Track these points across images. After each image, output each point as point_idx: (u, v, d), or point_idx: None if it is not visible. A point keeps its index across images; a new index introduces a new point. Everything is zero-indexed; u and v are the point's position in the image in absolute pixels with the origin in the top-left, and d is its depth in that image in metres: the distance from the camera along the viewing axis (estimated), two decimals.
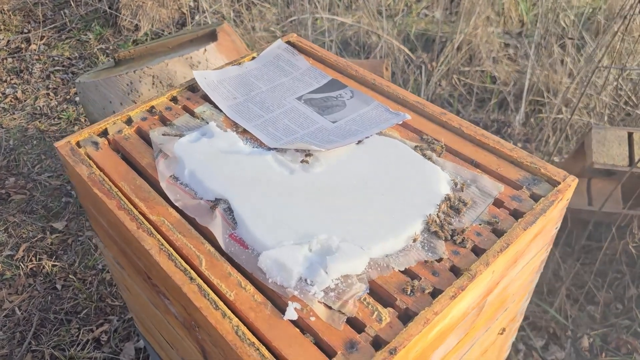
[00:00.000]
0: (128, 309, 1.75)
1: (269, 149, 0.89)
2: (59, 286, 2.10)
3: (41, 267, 2.16)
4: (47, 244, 2.25)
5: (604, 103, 2.40)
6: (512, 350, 1.91)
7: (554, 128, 2.45)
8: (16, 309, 2.02)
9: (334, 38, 3.17)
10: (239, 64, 1.10)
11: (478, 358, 0.95)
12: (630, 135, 1.65)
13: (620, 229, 1.96)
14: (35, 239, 2.26)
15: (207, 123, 0.95)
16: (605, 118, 2.40)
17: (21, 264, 2.16)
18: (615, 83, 2.46)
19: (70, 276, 2.12)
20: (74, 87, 2.99)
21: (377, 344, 0.64)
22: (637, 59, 2.60)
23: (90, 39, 3.37)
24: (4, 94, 2.95)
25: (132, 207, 0.80)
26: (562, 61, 2.73)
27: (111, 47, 3.29)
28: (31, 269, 2.15)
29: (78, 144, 0.92)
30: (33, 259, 2.18)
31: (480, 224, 0.76)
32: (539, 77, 2.70)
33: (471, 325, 0.78)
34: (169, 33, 3.35)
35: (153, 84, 1.98)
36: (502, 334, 0.95)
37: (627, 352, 1.86)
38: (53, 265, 2.16)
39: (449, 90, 3.02)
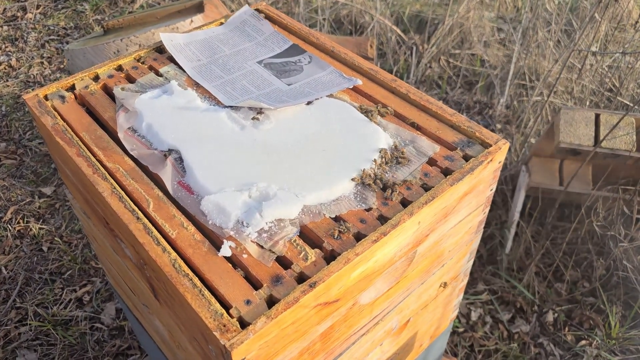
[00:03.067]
0: (100, 263, 1.81)
1: (225, 106, 0.95)
2: (45, 248, 2.17)
3: (28, 229, 2.22)
4: (35, 207, 2.31)
5: (589, 89, 2.44)
6: (479, 322, 1.98)
7: (535, 111, 2.49)
8: (2, 268, 2.09)
9: (327, 16, 3.20)
10: (207, 28, 1.15)
11: (418, 311, 1.01)
12: (597, 116, 1.69)
13: (588, 210, 2.01)
14: (24, 202, 2.33)
15: (169, 82, 1.00)
16: (587, 103, 2.44)
17: (9, 225, 2.22)
18: (599, 69, 2.49)
19: (56, 239, 2.19)
20: None
21: (301, 279, 0.70)
22: (623, 47, 2.63)
23: (86, 9, 3.40)
24: None
25: (90, 154, 0.86)
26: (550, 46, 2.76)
27: (106, 18, 3.33)
28: (18, 230, 2.22)
29: (46, 97, 0.98)
30: (21, 221, 2.25)
31: (411, 180, 0.82)
32: (525, 62, 2.74)
33: (402, 274, 0.84)
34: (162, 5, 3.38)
35: None
36: (444, 287, 1.01)
37: (589, 327, 1.92)
38: (40, 228, 2.22)
39: (439, 72, 3.06)
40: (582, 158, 1.73)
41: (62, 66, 3.01)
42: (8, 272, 2.09)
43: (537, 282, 2.05)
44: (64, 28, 3.28)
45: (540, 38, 2.65)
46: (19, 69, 2.98)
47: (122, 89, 0.98)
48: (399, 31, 3.09)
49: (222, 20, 1.17)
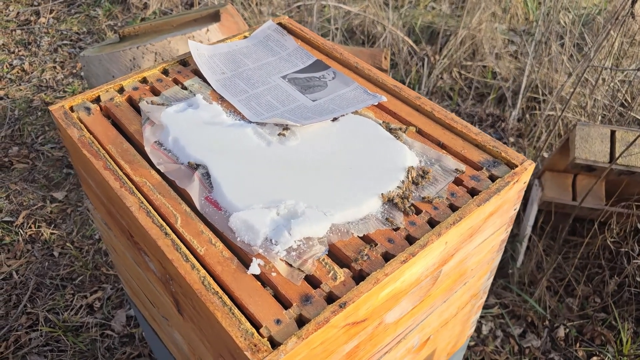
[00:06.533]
0: (117, 273, 1.81)
1: (250, 122, 0.95)
2: (56, 253, 2.17)
3: (40, 234, 2.23)
4: (47, 212, 2.32)
5: (600, 103, 2.44)
6: (490, 336, 1.97)
7: (547, 124, 2.49)
8: (14, 272, 2.10)
9: (340, 26, 3.21)
10: (231, 41, 1.15)
11: (438, 329, 1.01)
12: (613, 133, 1.69)
13: (601, 225, 2.01)
14: (36, 207, 2.34)
15: (195, 95, 1.00)
16: (599, 118, 2.44)
17: (20, 230, 2.23)
18: (612, 84, 2.49)
19: (67, 244, 2.20)
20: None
21: (330, 299, 0.70)
22: (636, 61, 2.63)
23: (99, 14, 3.42)
24: (11, 65, 3.01)
25: (117, 168, 0.86)
26: (560, 59, 2.76)
27: (119, 24, 3.34)
28: (30, 235, 2.22)
29: (71, 109, 0.98)
30: (32, 226, 2.25)
31: (438, 199, 0.82)
32: (537, 75, 2.74)
33: (427, 293, 0.84)
34: (178, 13, 3.40)
35: (155, 60, 2.04)
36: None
37: (600, 343, 1.91)
38: (51, 233, 2.23)
39: (450, 83, 3.06)
40: (597, 174, 1.73)
41: (74, 71, 3.03)
42: (19, 277, 2.10)
43: (549, 296, 2.04)
44: (77, 33, 3.30)
45: (553, 51, 2.65)
46: (31, 73, 3.00)
47: (148, 102, 0.98)
48: (410, 42, 3.10)
49: (246, 34, 1.17)
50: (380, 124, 0.95)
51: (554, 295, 2.05)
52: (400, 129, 0.93)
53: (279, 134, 0.91)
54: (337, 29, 3.19)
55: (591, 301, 2.04)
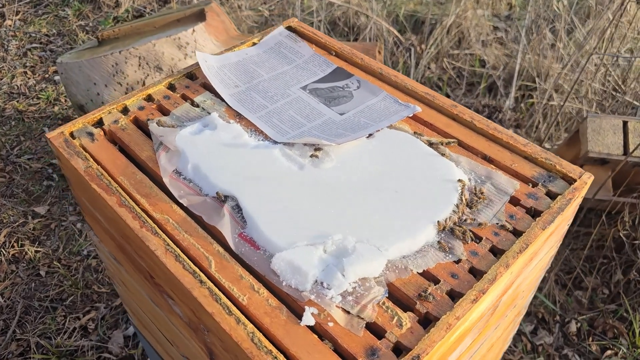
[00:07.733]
0: (122, 303, 1.71)
1: (276, 142, 0.86)
2: (42, 273, 2.05)
3: (24, 253, 2.10)
4: (29, 229, 2.18)
5: (594, 89, 2.41)
6: None
7: (544, 114, 2.45)
8: None
9: (323, 18, 3.11)
10: (239, 49, 1.05)
11: (485, 354, 0.94)
12: (625, 124, 1.65)
13: (609, 216, 1.97)
14: (17, 223, 2.20)
15: (209, 113, 0.90)
16: (594, 105, 2.41)
17: (2, 250, 2.09)
18: (604, 69, 2.46)
19: (54, 262, 2.07)
20: (52, 66, 2.88)
21: (398, 350, 0.62)
22: (626, 45, 2.60)
23: (68, 15, 3.24)
24: None
25: (134, 204, 0.76)
26: (552, 46, 2.72)
27: (91, 24, 3.18)
28: (13, 255, 2.09)
29: (72, 135, 0.87)
30: (15, 244, 2.12)
31: (497, 223, 0.74)
32: (529, 62, 2.69)
33: (485, 324, 0.77)
34: (152, 10, 3.24)
35: (139, 65, 1.92)
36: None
37: (613, 336, 1.89)
38: (36, 251, 2.10)
39: (438, 73, 2.99)
40: (610, 166, 1.69)
41: (47, 75, 2.87)
42: (5, 301, 1.97)
43: (557, 290, 2.00)
44: (47, 35, 3.12)
45: (548, 38, 2.60)
46: (1, 79, 2.82)
47: (158, 123, 0.88)
48: (396, 32, 3.02)
49: (255, 41, 1.07)
50: (419, 138, 0.86)
51: (562, 288, 2.02)
52: (442, 143, 0.85)
53: (311, 155, 0.82)
54: (320, 21, 3.09)
55: (599, 293, 2.01)
